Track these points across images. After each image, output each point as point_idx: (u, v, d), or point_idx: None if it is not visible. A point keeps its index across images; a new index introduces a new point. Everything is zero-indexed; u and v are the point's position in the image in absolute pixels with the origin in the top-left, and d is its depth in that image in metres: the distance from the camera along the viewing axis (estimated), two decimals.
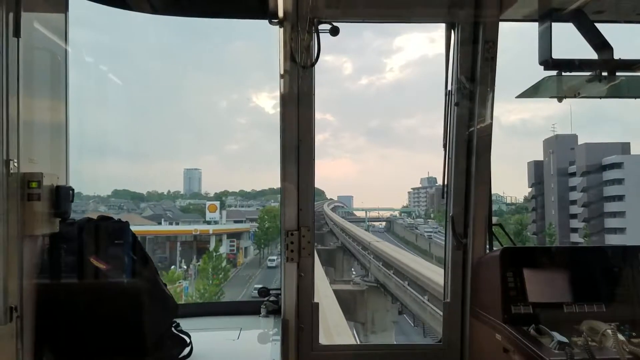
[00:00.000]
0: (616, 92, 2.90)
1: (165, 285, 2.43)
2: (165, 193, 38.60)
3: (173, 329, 2.44)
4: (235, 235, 33.64)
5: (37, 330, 2.11)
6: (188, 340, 2.45)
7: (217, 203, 36.04)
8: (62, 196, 2.24)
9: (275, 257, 31.36)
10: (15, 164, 1.99)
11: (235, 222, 36.36)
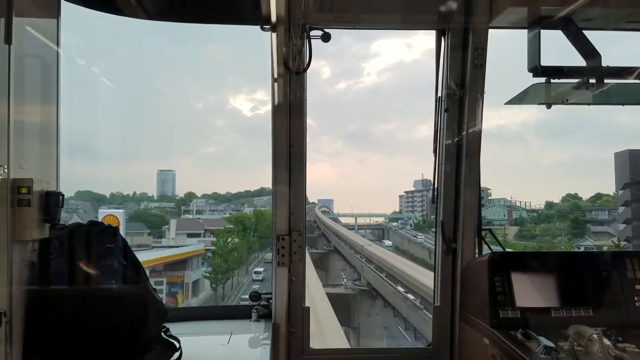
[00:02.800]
0: (604, 99, 2.94)
1: (155, 290, 2.44)
2: (131, 195, 28.65)
3: (163, 333, 2.45)
4: (176, 266, 20.13)
5: (26, 335, 2.12)
6: (177, 345, 2.45)
7: (121, 213, 18.78)
8: (51, 202, 2.25)
9: (261, 270, 23.80)
10: (6, 170, 2.00)
11: (190, 236, 24.52)
